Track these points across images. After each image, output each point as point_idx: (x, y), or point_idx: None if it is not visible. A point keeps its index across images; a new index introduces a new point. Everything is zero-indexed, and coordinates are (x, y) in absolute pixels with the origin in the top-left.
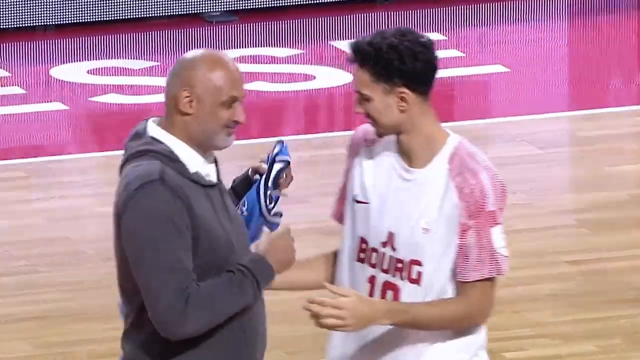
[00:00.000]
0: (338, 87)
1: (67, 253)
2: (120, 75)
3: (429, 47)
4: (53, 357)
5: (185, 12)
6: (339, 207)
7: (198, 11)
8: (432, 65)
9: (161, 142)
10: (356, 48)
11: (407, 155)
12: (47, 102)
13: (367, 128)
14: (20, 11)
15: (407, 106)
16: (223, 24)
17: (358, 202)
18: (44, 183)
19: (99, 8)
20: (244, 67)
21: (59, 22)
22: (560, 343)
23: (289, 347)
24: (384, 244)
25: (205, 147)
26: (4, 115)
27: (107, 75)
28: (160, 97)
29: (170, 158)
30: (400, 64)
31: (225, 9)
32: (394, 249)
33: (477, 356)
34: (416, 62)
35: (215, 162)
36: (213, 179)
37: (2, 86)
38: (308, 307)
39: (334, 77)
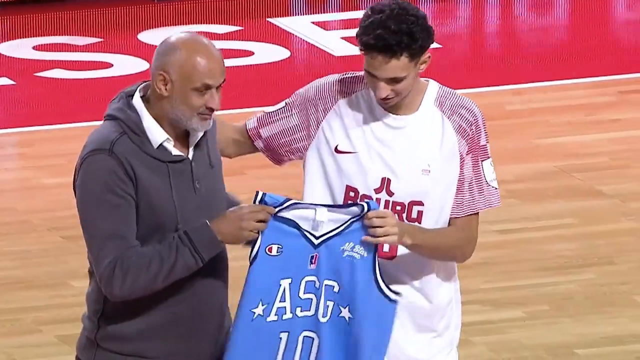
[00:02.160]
0: (276, 63)
1: (14, 223)
2: (66, 51)
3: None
4: (0, 324)
5: None
6: (260, 126)
7: None
8: None
9: (134, 112)
10: (386, 41)
11: (394, 106)
12: None
13: (338, 80)
14: None
15: (425, 67)
16: (166, 2)
17: (341, 152)
18: None
19: None
20: None
21: (5, 0)
22: (490, 309)
23: None
24: (377, 190)
25: (180, 127)
26: None
27: (52, 51)
28: (105, 72)
29: (134, 131)
30: (427, 37)
31: None
32: (390, 194)
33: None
34: (430, 28)
35: (204, 137)
36: (183, 153)
37: None
38: (367, 223)
39: (272, 53)
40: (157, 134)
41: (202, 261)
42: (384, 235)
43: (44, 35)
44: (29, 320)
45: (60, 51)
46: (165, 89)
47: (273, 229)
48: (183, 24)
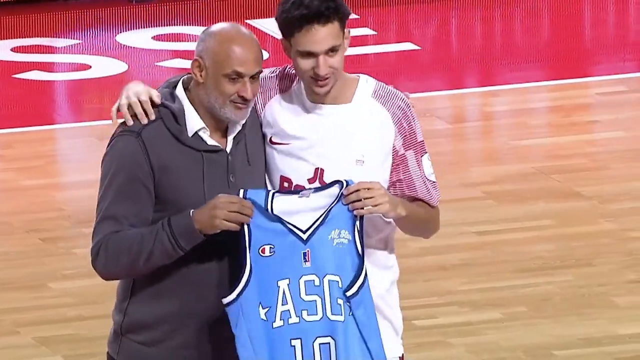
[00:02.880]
0: None
1: None
2: (44, 53)
3: None
4: None
5: None
6: None
7: None
8: None
9: (176, 100)
10: (317, 8)
11: (327, 96)
12: None
13: (277, 74)
14: None
15: (348, 43)
16: (142, 4)
17: (275, 143)
18: None
19: None
20: (161, 45)
21: None
22: (469, 310)
23: None
24: (311, 180)
25: (215, 116)
26: None
27: (30, 52)
28: (83, 74)
29: (175, 119)
30: (346, 6)
31: None
32: (323, 184)
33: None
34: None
35: (243, 132)
36: (220, 144)
37: None
38: (348, 199)
39: None
40: (193, 122)
41: (180, 249)
42: (375, 205)
43: (22, 37)
44: (8, 322)
45: (38, 53)
46: (201, 75)
47: (261, 229)
48: (161, 26)
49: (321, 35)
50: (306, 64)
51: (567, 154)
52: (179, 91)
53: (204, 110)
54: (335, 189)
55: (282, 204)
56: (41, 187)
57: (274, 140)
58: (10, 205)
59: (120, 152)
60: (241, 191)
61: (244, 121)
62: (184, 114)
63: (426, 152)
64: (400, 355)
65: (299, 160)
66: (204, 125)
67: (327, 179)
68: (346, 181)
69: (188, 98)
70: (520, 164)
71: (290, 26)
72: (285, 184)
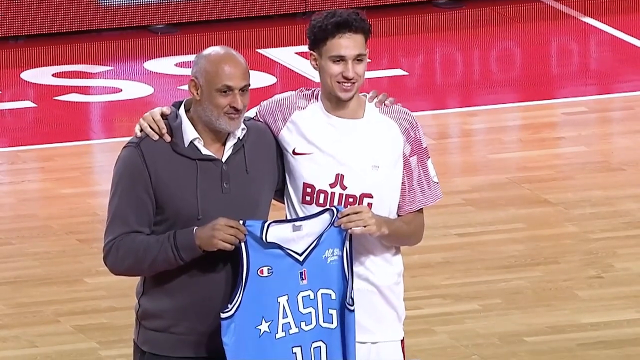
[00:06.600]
0: (264, 88)
1: (36, 227)
2: (81, 78)
3: None
4: (24, 316)
5: (134, 25)
6: None
7: (145, 24)
8: None
9: (177, 117)
10: (349, 20)
11: (342, 111)
12: (18, 100)
13: (294, 95)
14: None
15: (366, 63)
16: (166, 35)
17: (298, 153)
18: (16, 169)
19: (62, 20)
20: (182, 71)
21: (29, 33)
22: (450, 302)
23: None
24: (332, 185)
25: (212, 128)
26: None
27: (69, 78)
28: (115, 97)
29: (171, 132)
30: (369, 24)
31: (168, 22)
32: (344, 188)
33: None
34: None
35: (241, 144)
36: (215, 154)
37: None
38: (341, 222)
39: (260, 79)
40: (189, 133)
41: (180, 259)
42: (365, 226)
43: (62, 64)
44: (49, 312)
45: (76, 78)
46: (197, 93)
47: (260, 252)
48: (182, 54)
49: (351, 42)
50: (336, 68)
51: (536, 166)
52: (180, 110)
53: (202, 126)
54: (326, 216)
55: (277, 233)
56: (78, 194)
57: (297, 151)
58: (51, 211)
59: (124, 160)
60: (240, 221)
61: (239, 132)
62: (181, 127)
63: (429, 157)
64: (402, 339)
65: (321, 168)
66: (198, 136)
67: (347, 183)
68: (336, 208)
69: (187, 116)
70: (495, 175)
71: (324, 33)
72: (308, 190)
